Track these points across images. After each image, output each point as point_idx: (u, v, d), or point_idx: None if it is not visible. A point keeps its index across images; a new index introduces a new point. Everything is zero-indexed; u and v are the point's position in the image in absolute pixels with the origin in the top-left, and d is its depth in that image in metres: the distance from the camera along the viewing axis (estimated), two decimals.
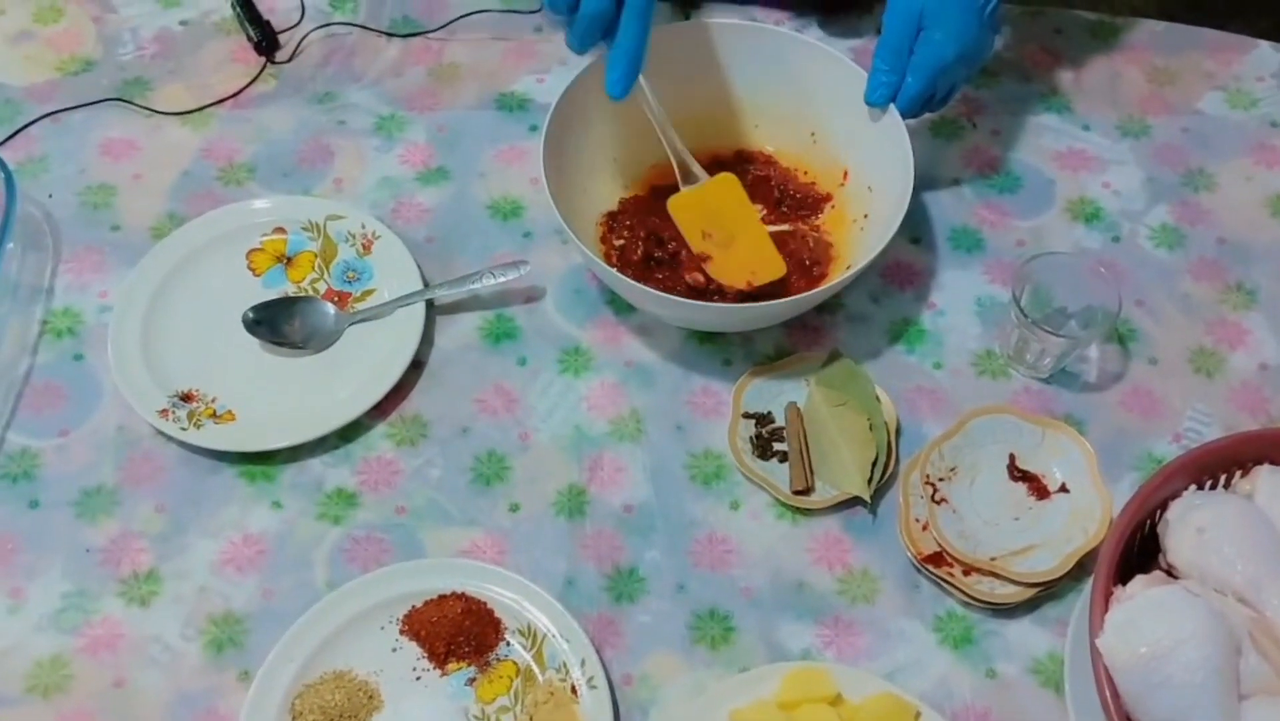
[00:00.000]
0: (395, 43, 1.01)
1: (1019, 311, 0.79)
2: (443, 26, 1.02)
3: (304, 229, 0.89)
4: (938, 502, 0.77)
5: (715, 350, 0.85)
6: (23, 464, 0.78)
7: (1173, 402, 0.83)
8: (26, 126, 0.94)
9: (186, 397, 0.80)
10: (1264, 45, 1.03)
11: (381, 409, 0.81)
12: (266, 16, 1.01)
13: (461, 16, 1.02)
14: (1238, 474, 0.72)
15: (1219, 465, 0.72)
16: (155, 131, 0.95)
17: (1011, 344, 0.84)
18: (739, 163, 0.91)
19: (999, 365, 0.85)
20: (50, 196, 0.91)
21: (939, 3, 0.81)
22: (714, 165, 0.89)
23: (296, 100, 0.97)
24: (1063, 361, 0.83)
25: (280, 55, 1.00)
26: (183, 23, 1.02)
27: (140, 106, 0.96)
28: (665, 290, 0.82)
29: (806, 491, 0.78)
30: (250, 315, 0.83)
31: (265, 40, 0.99)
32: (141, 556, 0.75)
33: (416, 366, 0.83)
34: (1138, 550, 0.70)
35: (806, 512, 0.78)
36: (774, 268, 0.84)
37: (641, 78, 0.80)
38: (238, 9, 1.01)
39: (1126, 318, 0.86)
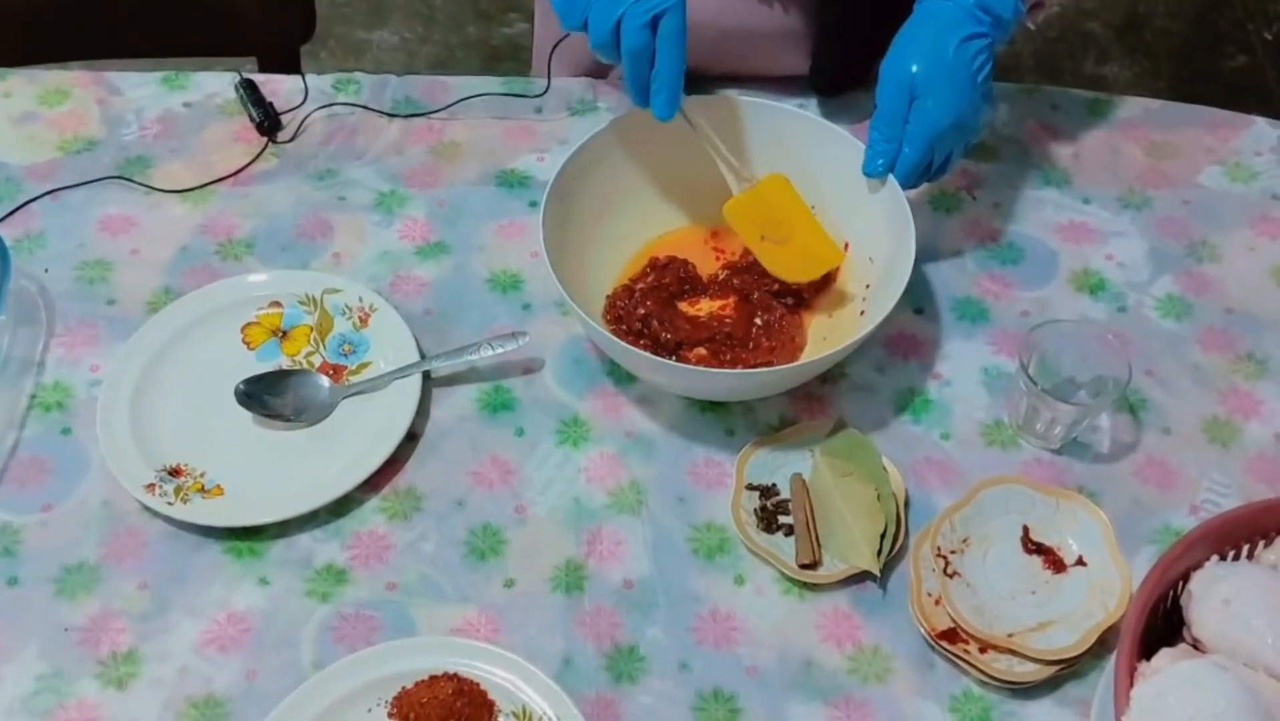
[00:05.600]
0: (397, 122, 1.02)
1: (1027, 379, 0.78)
2: (444, 108, 1.02)
3: (300, 302, 0.88)
4: (950, 576, 0.74)
5: (717, 420, 0.83)
6: (3, 540, 0.76)
7: (1188, 473, 0.81)
8: (26, 204, 0.94)
9: (175, 472, 0.78)
10: (1260, 121, 1.04)
11: (374, 482, 0.79)
12: (270, 99, 1.02)
13: (463, 99, 1.03)
14: (1260, 544, 0.69)
15: (1241, 535, 0.69)
16: (155, 208, 0.95)
17: (1020, 413, 0.82)
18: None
19: (1008, 435, 0.83)
20: (46, 271, 0.90)
21: (930, 72, 0.81)
22: (711, 239, 0.91)
23: (297, 177, 0.97)
24: (1073, 431, 0.81)
25: (282, 135, 1.00)
26: (186, 104, 1.03)
27: (140, 184, 0.96)
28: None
29: (814, 565, 0.75)
30: (242, 388, 0.82)
31: (268, 121, 1.00)
32: (121, 636, 0.72)
33: (411, 439, 0.81)
34: (1161, 624, 0.67)
35: (814, 587, 0.75)
36: (833, 256, 0.86)
37: (684, 99, 0.81)
38: (241, 91, 1.02)
39: (1137, 387, 0.85)
